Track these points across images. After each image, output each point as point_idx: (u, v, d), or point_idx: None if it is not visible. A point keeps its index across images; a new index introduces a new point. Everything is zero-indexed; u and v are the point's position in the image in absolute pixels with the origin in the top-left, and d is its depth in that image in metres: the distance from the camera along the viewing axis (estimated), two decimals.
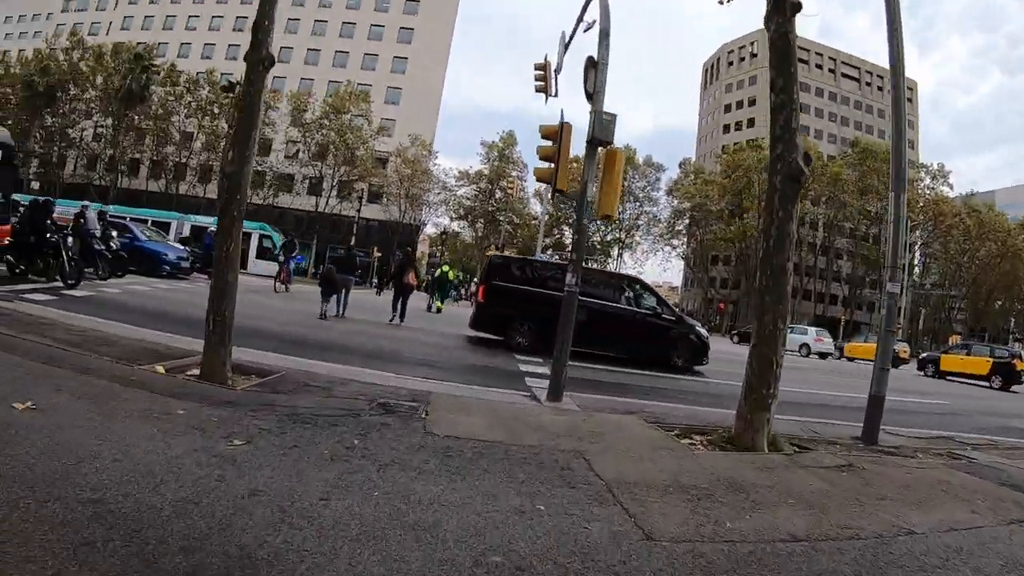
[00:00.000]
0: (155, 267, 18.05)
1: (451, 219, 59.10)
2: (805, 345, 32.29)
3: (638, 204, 62.12)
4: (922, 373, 25.32)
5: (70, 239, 11.98)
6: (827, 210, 60.29)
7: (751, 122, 76.08)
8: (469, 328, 13.45)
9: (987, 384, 22.08)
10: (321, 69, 58.94)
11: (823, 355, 32.01)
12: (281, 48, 61.12)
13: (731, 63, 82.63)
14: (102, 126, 56.10)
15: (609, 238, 62.17)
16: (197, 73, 54.90)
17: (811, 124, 72.55)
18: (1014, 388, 21.64)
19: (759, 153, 60.42)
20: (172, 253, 19.25)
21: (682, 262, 72.09)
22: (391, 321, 15.00)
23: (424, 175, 53.86)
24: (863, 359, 30.52)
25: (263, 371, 6.22)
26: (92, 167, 57.46)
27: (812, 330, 34.78)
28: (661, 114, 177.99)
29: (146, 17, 67.44)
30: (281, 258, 22.50)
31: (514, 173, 56.82)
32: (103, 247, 14.43)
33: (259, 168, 53.15)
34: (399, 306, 15.36)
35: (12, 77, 56.19)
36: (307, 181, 53.37)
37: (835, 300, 69.75)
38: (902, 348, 30.92)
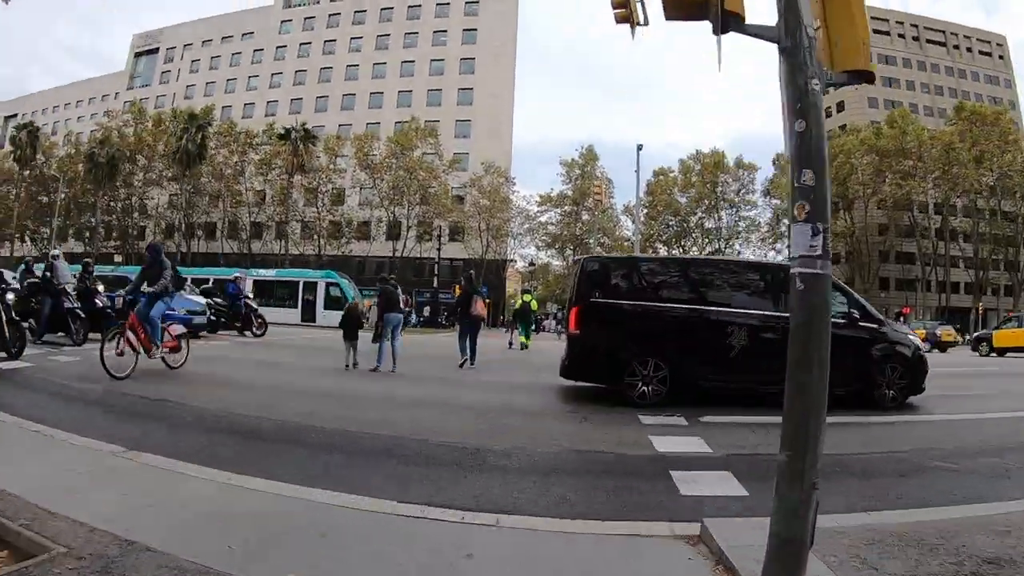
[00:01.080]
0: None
1: (537, 248, 55.85)
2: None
3: (734, 210, 57.51)
4: (976, 353, 24.82)
5: (8, 295, 9.78)
6: (939, 189, 53.81)
7: (840, 106, 70.37)
8: (561, 377, 8.64)
9: None
10: (386, 112, 57.37)
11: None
12: (343, 95, 60.26)
13: None
14: (174, 193, 55.90)
15: (705, 251, 57.89)
16: (261, 130, 54.17)
17: (903, 98, 66.41)
18: None
19: (857, 136, 55.09)
20: (183, 308, 15.09)
21: None
22: (461, 365, 12.23)
23: (503, 204, 51.07)
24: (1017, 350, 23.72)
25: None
26: (169, 235, 57.33)
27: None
28: (731, 119, 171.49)
29: (207, 84, 68.11)
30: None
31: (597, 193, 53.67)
32: (77, 305, 11.99)
33: (334, 218, 51.61)
34: (468, 345, 12.52)
35: (81, 156, 56.95)
36: (383, 225, 51.25)
37: (957, 288, 62.82)
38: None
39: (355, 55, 61.88)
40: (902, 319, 32.77)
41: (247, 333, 18.08)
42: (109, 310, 12.84)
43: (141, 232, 59.56)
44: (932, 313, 61.70)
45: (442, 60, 59.16)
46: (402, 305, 22.55)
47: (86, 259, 15.40)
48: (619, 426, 6.39)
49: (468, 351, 12.46)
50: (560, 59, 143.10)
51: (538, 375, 11.16)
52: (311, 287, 33.96)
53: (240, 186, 53.69)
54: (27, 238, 62.24)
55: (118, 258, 53.55)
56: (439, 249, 45.97)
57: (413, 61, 59.92)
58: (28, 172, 58.70)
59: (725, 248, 57.50)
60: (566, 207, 54.22)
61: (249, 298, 18.81)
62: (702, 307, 7.94)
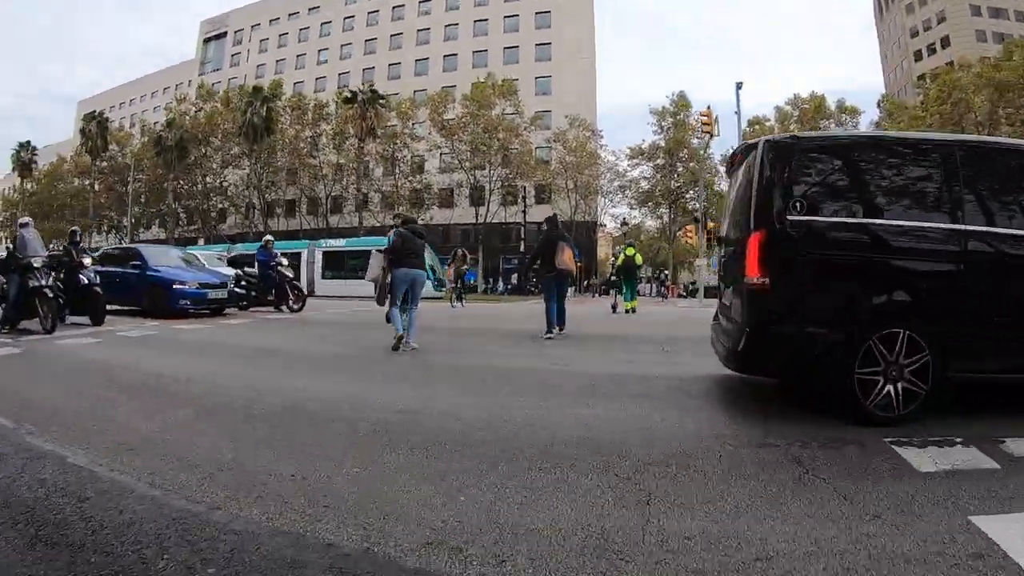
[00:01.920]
0: (169, 303, 12.48)
1: (631, 207, 52.07)
2: None
3: None
4: None
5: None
6: None
7: (945, 41, 63.73)
8: (729, 367, 4.71)
9: None
10: (460, 74, 54.61)
11: None
12: (416, 60, 58.17)
13: None
14: (247, 172, 54.80)
15: None
16: (331, 99, 52.41)
17: (1013, 31, 59.11)
18: None
19: (968, 72, 48.91)
20: (195, 281, 13.03)
21: None
22: (546, 336, 9.29)
23: (591, 159, 47.73)
24: None
25: None
26: (248, 215, 56.59)
27: None
28: (820, 70, 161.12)
29: (278, 62, 67.38)
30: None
31: (695, 140, 49.27)
32: (46, 283, 9.47)
33: (415, 187, 49.59)
34: (554, 310, 9.48)
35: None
36: (465, 190, 48.75)
37: None
38: None
39: (425, 18, 59.56)
40: None
41: (284, 308, 14.86)
42: (97, 287, 10.80)
43: (222, 214, 59.33)
44: None
45: (516, 16, 56.08)
46: (459, 263, 19.96)
47: (73, 228, 13.36)
48: (884, 483, 2.86)
49: (557, 317, 9.52)
50: (639, 18, 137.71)
51: (670, 360, 7.24)
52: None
53: (315, 160, 52.16)
54: (106, 228, 63.03)
55: (201, 241, 53.19)
56: (524, 211, 43.43)
57: (486, 19, 57.09)
58: (103, 163, 59.09)
59: None
60: (659, 160, 50.07)
61: (283, 265, 15.15)
62: (1001, 232, 4.08)
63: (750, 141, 4.73)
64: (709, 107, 28.22)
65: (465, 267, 19.42)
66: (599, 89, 69.79)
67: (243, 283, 15.23)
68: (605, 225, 56.97)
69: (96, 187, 59.77)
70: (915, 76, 65.36)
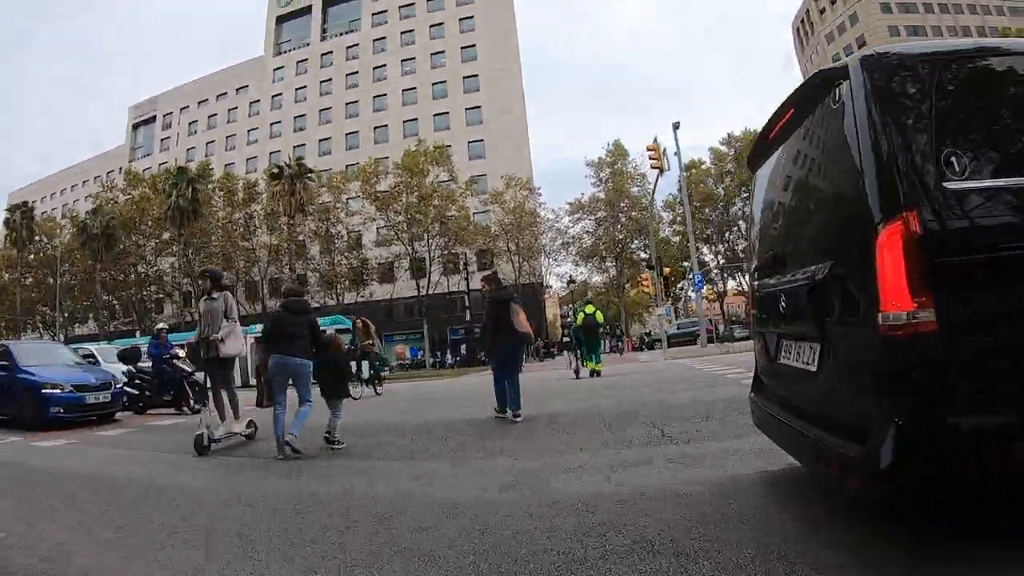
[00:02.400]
0: (40, 410, 10.27)
1: (575, 264, 51.13)
2: None
3: None
4: None
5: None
6: None
7: (861, 40, 65.71)
8: (846, 492, 2.62)
9: None
10: (392, 145, 53.73)
11: None
12: (347, 134, 57.36)
13: (823, 9, 72.75)
14: (176, 256, 51.65)
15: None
16: (259, 178, 50.88)
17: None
18: None
19: None
20: (68, 383, 10.72)
21: None
22: (501, 415, 7.68)
23: (530, 218, 46.77)
24: None
25: None
26: (187, 303, 53.95)
27: None
28: (743, 114, 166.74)
29: (207, 144, 66.10)
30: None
31: (635, 189, 48.75)
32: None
33: (352, 264, 48.07)
34: (508, 386, 7.64)
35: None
36: (406, 264, 47.21)
37: None
38: None
39: (353, 91, 59.07)
40: None
41: (186, 409, 12.28)
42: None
43: (159, 305, 56.75)
44: None
45: (444, 82, 55.94)
46: (360, 337, 15.82)
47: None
48: None
49: (510, 395, 7.63)
50: (565, 78, 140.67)
51: (683, 454, 4.66)
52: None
53: (248, 243, 50.31)
54: (39, 324, 59.68)
55: (138, 333, 50.48)
56: (467, 279, 42.12)
57: (415, 88, 56.81)
58: (31, 255, 56.18)
59: None
60: (600, 213, 49.45)
61: (179, 358, 12.78)
62: None
63: (826, 69, 2.72)
64: (656, 139, 26.92)
65: (370, 342, 15.73)
66: (533, 148, 69.92)
67: (137, 381, 13.00)
68: (551, 286, 56.04)
69: (26, 281, 56.71)
70: None
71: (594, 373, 14.67)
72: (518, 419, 7.37)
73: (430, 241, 45.37)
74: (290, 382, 6.36)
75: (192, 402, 12.09)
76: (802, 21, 78.56)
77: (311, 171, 45.10)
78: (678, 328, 41.05)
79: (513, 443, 5.98)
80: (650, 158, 26.37)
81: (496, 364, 8.02)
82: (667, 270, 26.06)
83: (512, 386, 7.65)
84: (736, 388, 8.34)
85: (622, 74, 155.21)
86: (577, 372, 15.42)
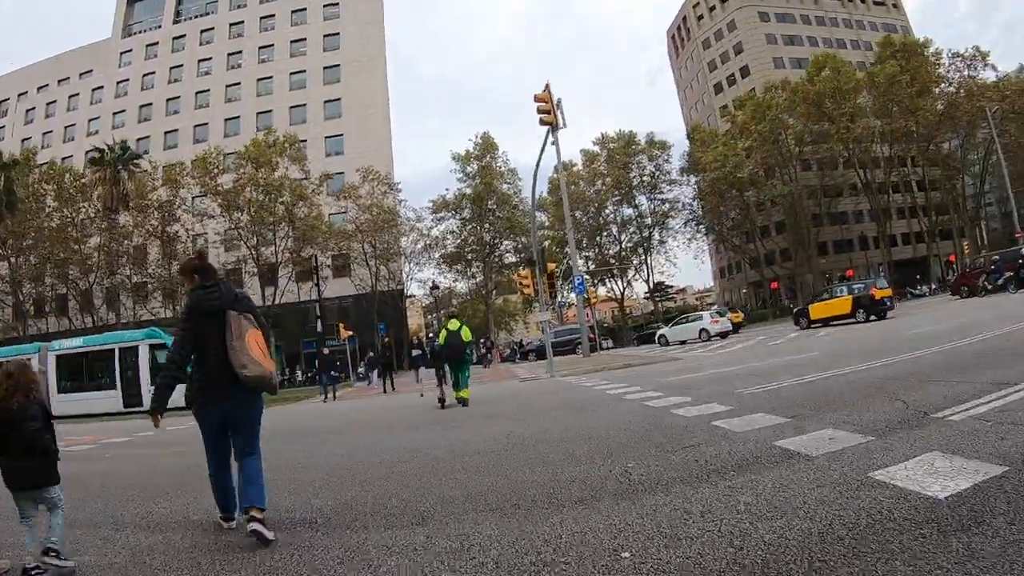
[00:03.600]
0: None
1: (439, 268, 48.13)
2: (703, 330, 28.82)
3: (655, 192, 52.01)
4: (798, 327, 25.24)
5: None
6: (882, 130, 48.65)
7: (745, 71, 66.65)
8: None
9: (854, 320, 22.42)
10: (245, 138, 48.93)
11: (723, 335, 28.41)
12: (195, 126, 52.40)
13: (700, 16, 73.45)
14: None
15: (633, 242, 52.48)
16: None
17: (807, 54, 62.69)
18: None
19: (783, 90, 50.01)
20: None
21: (709, 256, 62.49)
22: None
23: (389, 216, 43.48)
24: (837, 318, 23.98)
25: None
26: (18, 314, 47.42)
27: (706, 314, 32.12)
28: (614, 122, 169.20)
29: (44, 134, 58.83)
30: None
31: (505, 186, 46.33)
32: None
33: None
34: None
35: None
36: (252, 269, 43.04)
37: (908, 239, 59.39)
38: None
39: (205, 79, 54.07)
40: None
41: None
42: None
43: None
44: (874, 272, 58.46)
45: (303, 72, 52.01)
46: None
47: None
48: None
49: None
50: (430, 91, 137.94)
51: None
52: (129, 355, 23.24)
53: (78, 247, 44.47)
54: None
55: None
56: (318, 285, 38.41)
57: (271, 77, 52.54)
58: None
59: (651, 235, 52.06)
60: (465, 212, 46.66)
61: None
62: None
63: None
64: (548, 86, 20.82)
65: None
66: (396, 157, 66.94)
67: None
68: (414, 295, 53.12)
69: None
70: (717, 108, 67.85)
71: (461, 401, 11.96)
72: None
73: (278, 243, 41.51)
74: None
75: None
76: (678, 28, 79.38)
77: (138, 156, 40.14)
78: (555, 336, 38.31)
79: None
80: (539, 111, 20.58)
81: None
82: (551, 266, 23.20)
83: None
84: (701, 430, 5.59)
85: (491, 88, 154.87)
86: (443, 402, 12.35)
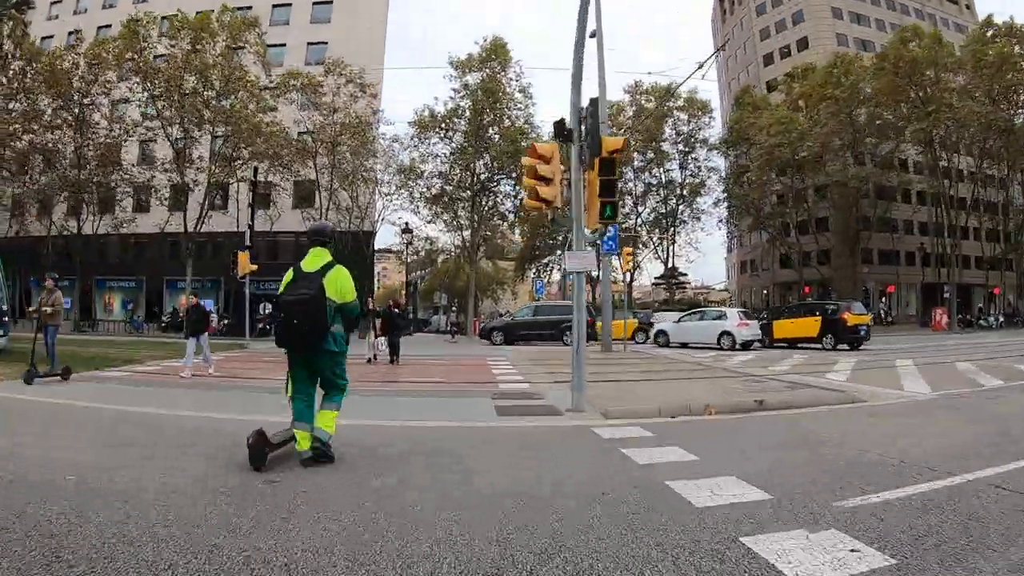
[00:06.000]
0: None
1: (415, 209, 37.05)
2: (726, 334, 21.01)
3: (690, 156, 43.20)
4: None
5: None
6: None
7: (803, 43, 57.66)
8: None
9: (820, 346, 19.97)
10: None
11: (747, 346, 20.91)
12: None
13: None
14: None
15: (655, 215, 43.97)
16: None
17: (874, 38, 53.95)
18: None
19: (859, 58, 41.10)
20: None
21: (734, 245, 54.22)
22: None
23: (363, 137, 33.37)
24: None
25: None
26: None
27: (732, 311, 23.34)
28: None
29: None
30: None
31: (516, 111, 36.00)
32: None
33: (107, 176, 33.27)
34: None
35: None
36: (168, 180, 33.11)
37: (968, 263, 50.50)
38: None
39: None
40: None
41: None
42: None
43: None
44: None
45: None
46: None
47: None
48: None
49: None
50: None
51: None
52: None
53: None
54: None
55: None
56: (252, 205, 28.44)
57: None
58: None
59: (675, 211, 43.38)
60: (458, 130, 35.00)
61: None
62: None
63: None
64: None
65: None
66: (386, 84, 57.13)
67: None
68: (391, 250, 43.35)
69: None
70: (764, 80, 59.04)
71: (306, 452, 4.54)
72: None
73: (213, 142, 31.70)
74: None
75: None
76: None
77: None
78: (532, 314, 28.49)
79: None
80: None
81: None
82: (613, 141, 14.83)
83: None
84: None
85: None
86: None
